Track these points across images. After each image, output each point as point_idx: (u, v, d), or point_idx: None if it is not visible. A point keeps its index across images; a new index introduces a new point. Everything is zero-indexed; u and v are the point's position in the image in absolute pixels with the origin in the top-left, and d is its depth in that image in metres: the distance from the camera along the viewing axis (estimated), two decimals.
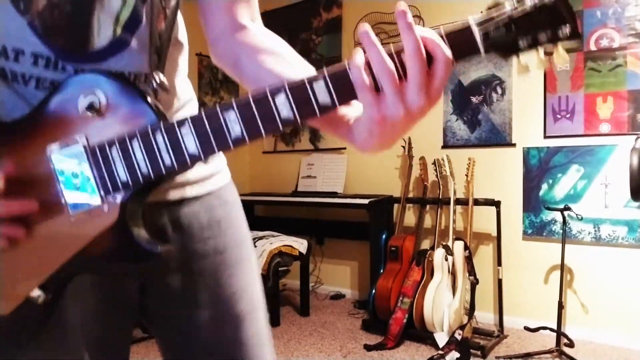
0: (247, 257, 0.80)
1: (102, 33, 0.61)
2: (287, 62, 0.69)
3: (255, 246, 3.24)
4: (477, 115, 3.35)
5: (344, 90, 0.52)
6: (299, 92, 0.52)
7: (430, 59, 0.50)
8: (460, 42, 0.51)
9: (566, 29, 0.51)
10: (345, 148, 3.93)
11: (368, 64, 0.51)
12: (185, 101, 0.77)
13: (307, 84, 0.52)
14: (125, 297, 0.73)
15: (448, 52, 0.50)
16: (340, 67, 0.52)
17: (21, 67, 0.59)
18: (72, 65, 0.61)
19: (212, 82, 4.26)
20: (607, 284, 2.91)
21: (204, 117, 0.54)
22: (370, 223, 3.43)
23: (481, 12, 0.52)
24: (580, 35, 0.54)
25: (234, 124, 0.53)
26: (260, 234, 3.51)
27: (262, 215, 4.28)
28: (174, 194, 0.73)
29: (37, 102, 0.60)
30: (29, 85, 0.60)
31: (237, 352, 0.76)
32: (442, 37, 0.51)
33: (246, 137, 0.53)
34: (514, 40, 0.51)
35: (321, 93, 0.52)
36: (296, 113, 0.53)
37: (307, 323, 3.35)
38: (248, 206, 3.99)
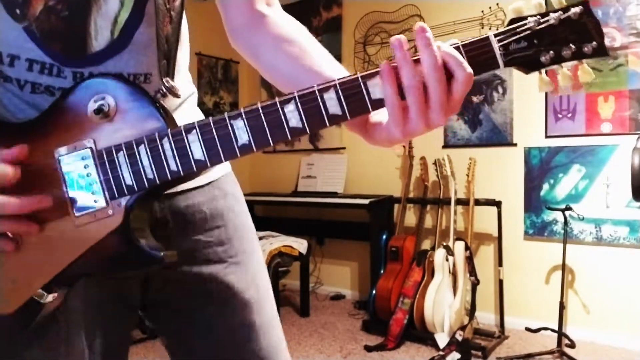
0: (251, 249, 0.79)
1: (100, 36, 0.61)
2: (304, 51, 0.69)
3: None
4: (478, 115, 3.34)
5: (356, 103, 0.52)
6: (309, 101, 0.52)
7: (450, 76, 0.49)
8: (478, 55, 0.50)
9: (592, 45, 0.49)
10: (345, 148, 3.92)
11: (395, 81, 0.50)
12: (186, 96, 0.76)
13: (317, 94, 0.52)
14: (127, 291, 0.72)
15: (469, 70, 0.49)
16: (353, 78, 0.51)
17: (16, 73, 0.60)
18: (71, 70, 0.61)
19: (212, 81, 4.24)
20: (609, 284, 2.89)
21: (212, 124, 0.54)
22: (371, 223, 3.42)
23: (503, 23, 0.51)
24: (607, 52, 0.51)
25: (241, 131, 0.53)
26: (260, 234, 3.49)
27: (262, 215, 4.26)
28: None
29: (39, 105, 0.60)
30: (24, 90, 0.60)
31: (247, 340, 0.75)
32: (459, 50, 0.49)
33: (253, 145, 0.54)
34: (535, 55, 0.49)
35: (332, 104, 0.52)
36: (305, 123, 0.52)
37: (307, 324, 3.34)
38: (248, 206, 3.96)
